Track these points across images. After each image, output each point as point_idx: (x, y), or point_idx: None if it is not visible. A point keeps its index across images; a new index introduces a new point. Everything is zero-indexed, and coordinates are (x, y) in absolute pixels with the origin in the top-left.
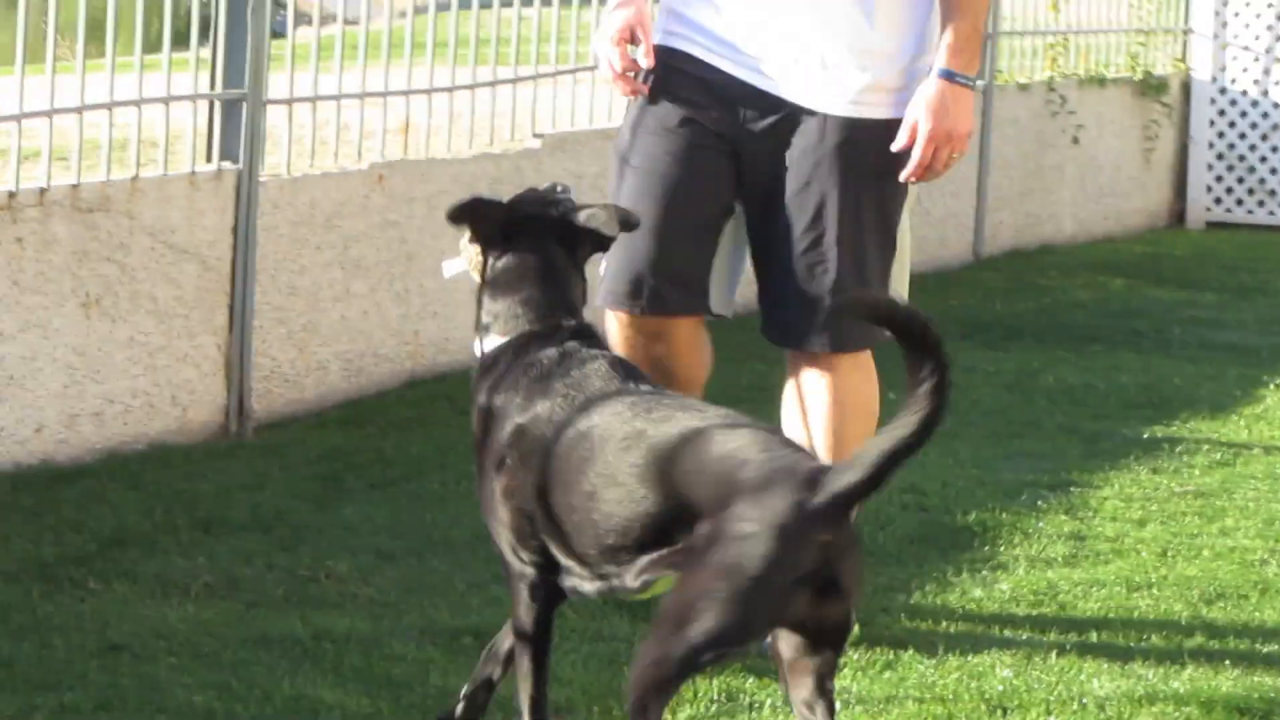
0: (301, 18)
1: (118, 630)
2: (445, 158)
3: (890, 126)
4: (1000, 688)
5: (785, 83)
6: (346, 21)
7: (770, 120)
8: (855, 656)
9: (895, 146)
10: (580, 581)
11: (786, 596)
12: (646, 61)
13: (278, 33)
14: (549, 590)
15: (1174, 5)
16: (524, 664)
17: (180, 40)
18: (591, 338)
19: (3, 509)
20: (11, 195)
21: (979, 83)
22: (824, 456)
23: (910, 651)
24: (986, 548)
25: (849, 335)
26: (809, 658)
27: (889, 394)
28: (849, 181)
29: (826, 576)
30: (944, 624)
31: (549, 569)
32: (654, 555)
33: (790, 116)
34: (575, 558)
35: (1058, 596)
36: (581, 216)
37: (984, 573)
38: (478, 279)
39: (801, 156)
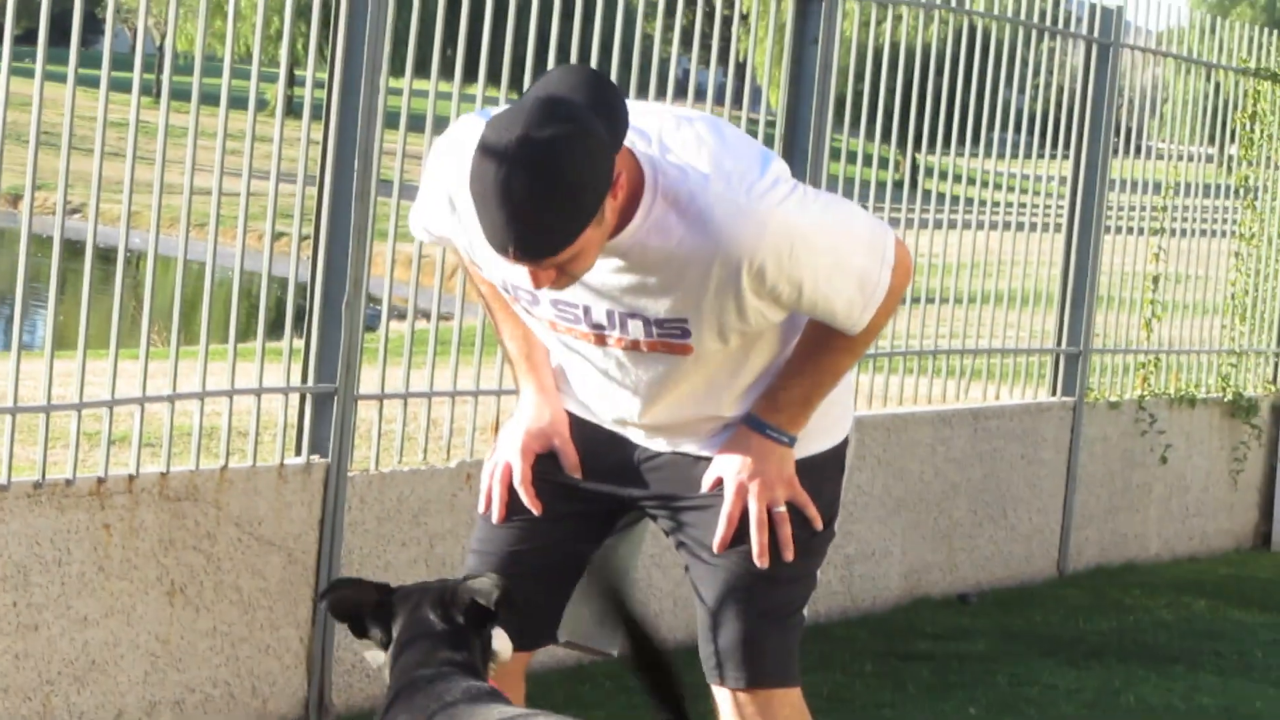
0: (394, 311)
1: None
2: None
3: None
4: None
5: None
6: (440, 317)
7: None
8: None
9: (702, 489)
10: None
11: None
12: (576, 474)
13: (370, 326)
14: None
15: (1268, 327)
16: None
17: (274, 330)
18: (473, 671)
19: None
20: (100, 481)
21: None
22: None
23: None
24: None
25: (768, 666)
26: None
27: (969, 709)
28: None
29: None
30: None
31: None
32: None
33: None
34: None
35: None
36: (465, 586)
37: None
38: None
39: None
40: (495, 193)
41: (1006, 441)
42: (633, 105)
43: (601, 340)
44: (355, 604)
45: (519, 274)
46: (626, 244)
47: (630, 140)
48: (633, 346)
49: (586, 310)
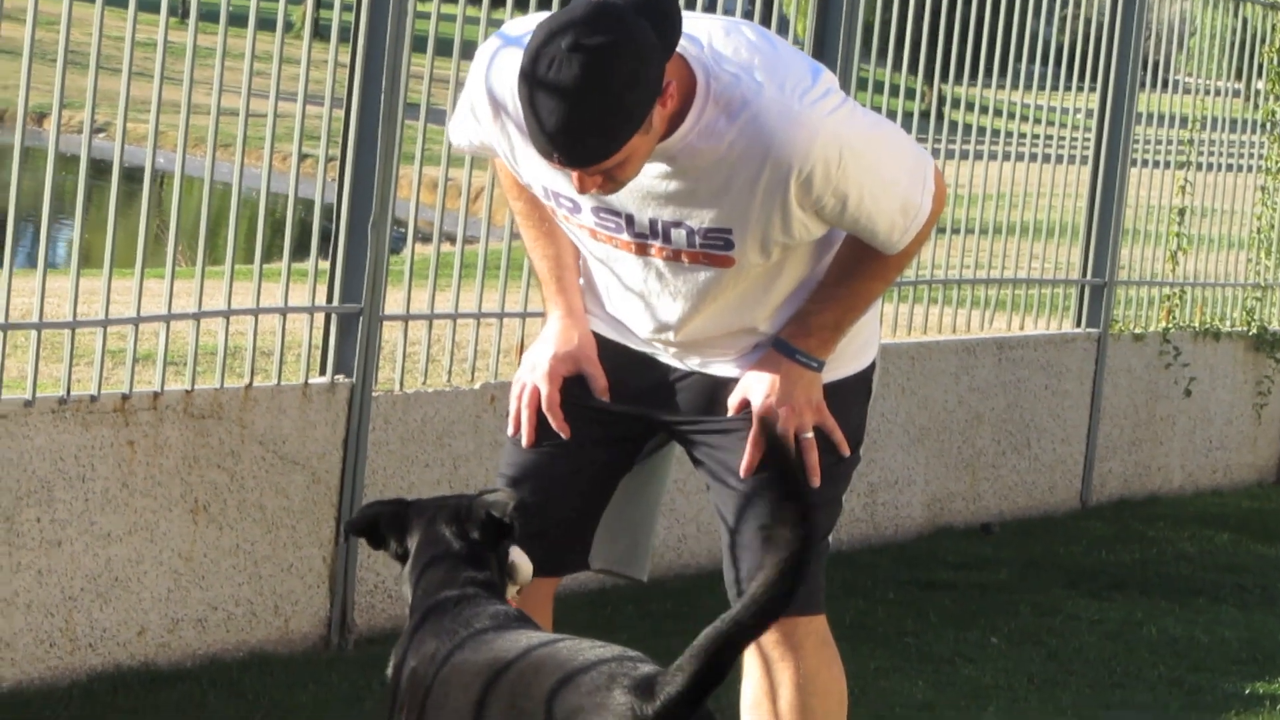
0: (419, 234)
1: None
2: None
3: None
4: None
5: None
6: (465, 240)
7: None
8: None
9: (728, 411)
10: None
11: None
12: (604, 397)
13: (394, 249)
14: None
15: None
16: None
17: (299, 251)
18: (495, 591)
19: (101, 710)
20: (125, 398)
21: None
22: None
23: None
24: None
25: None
26: None
27: (991, 638)
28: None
29: None
30: None
31: None
32: None
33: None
34: None
35: None
36: (480, 500)
37: None
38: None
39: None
40: (542, 99)
41: (1031, 372)
42: None
43: (643, 250)
44: (372, 517)
45: (562, 179)
46: (676, 147)
47: (682, 46)
48: (674, 257)
49: (629, 219)
